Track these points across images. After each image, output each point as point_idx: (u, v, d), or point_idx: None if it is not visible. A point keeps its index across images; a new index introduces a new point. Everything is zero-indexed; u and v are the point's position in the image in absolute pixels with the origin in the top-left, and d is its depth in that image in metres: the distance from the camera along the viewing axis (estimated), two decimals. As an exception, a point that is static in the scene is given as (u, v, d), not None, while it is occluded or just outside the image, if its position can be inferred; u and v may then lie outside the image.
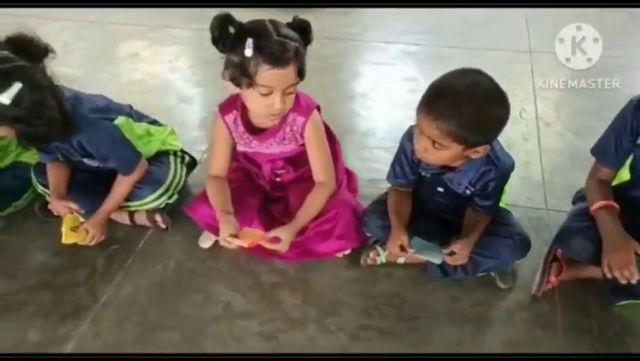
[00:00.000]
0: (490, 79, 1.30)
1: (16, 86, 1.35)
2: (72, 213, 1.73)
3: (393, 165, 1.60)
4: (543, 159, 2.16)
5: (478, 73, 1.31)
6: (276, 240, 1.53)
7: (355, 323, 1.51)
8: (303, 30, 1.43)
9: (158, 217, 1.79)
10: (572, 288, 1.58)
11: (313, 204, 1.60)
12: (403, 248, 1.50)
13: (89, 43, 3.17)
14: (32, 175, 1.81)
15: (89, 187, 1.76)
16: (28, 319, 1.51)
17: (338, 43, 3.11)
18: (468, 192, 1.49)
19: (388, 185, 1.66)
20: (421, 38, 3.18)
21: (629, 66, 2.88)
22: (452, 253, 1.49)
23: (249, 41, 1.34)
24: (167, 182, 1.79)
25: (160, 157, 1.84)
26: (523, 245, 1.54)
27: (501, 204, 1.59)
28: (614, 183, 1.52)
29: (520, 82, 2.67)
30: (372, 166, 2.09)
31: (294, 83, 1.43)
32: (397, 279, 1.64)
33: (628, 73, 2.76)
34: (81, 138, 1.59)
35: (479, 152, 1.35)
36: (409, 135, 1.51)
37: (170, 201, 1.82)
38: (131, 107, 1.82)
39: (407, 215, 1.58)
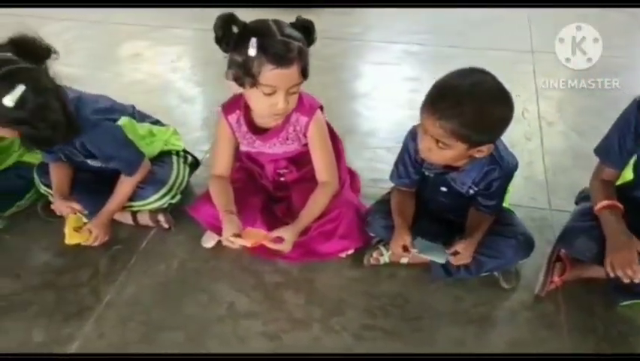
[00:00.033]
0: (493, 78, 1.30)
1: (20, 89, 1.35)
2: (75, 213, 1.73)
3: (396, 165, 1.60)
4: (546, 159, 2.16)
5: (482, 72, 1.31)
6: (279, 240, 1.54)
7: (359, 322, 1.51)
8: (307, 30, 1.43)
9: (161, 217, 1.79)
10: (576, 288, 1.58)
11: (316, 204, 1.60)
12: (406, 248, 1.50)
13: (91, 43, 3.17)
14: (35, 175, 1.81)
15: (92, 188, 1.76)
16: (33, 319, 1.51)
17: (339, 43, 3.11)
18: (471, 191, 1.49)
19: (391, 185, 1.66)
20: (423, 38, 3.18)
21: (631, 66, 2.88)
22: (456, 253, 1.49)
23: (253, 41, 1.34)
24: (170, 182, 1.80)
25: (163, 157, 1.84)
26: (527, 245, 1.54)
27: (505, 204, 1.59)
28: (618, 182, 1.52)
29: (522, 82, 2.67)
30: (375, 166, 2.09)
31: (298, 82, 1.43)
32: (401, 279, 1.63)
33: (630, 73, 2.76)
34: (84, 139, 1.59)
35: (483, 151, 1.35)
36: (412, 135, 1.51)
37: (173, 201, 1.82)
38: (133, 107, 1.82)
39: (410, 215, 1.58)
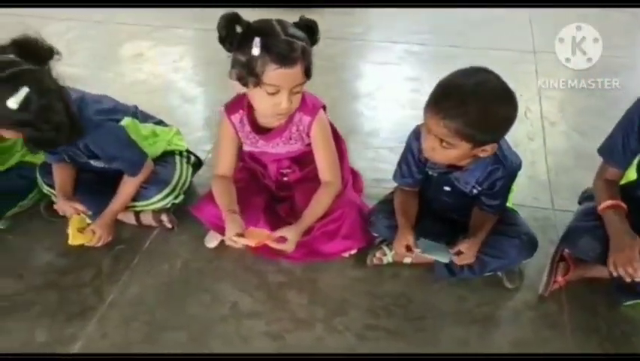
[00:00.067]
0: (498, 77, 1.30)
1: (24, 91, 1.34)
2: (78, 213, 1.73)
3: (399, 165, 1.60)
4: (548, 159, 2.16)
5: (486, 72, 1.31)
6: (282, 240, 1.53)
7: (362, 322, 1.51)
8: (310, 30, 1.43)
9: (164, 217, 1.79)
10: (579, 288, 1.58)
11: (319, 203, 1.60)
12: (409, 248, 1.50)
13: (93, 43, 3.17)
14: (38, 175, 1.81)
15: (95, 188, 1.76)
16: (35, 319, 1.51)
17: (341, 42, 3.11)
18: (475, 191, 1.49)
19: (394, 184, 1.66)
20: (425, 38, 3.17)
21: (632, 66, 2.88)
22: (459, 253, 1.48)
23: (257, 40, 1.34)
24: (173, 182, 1.80)
25: (166, 157, 1.84)
26: (531, 245, 1.53)
27: (508, 204, 1.58)
28: (621, 182, 1.52)
29: (524, 82, 2.66)
30: (377, 166, 2.09)
31: (301, 82, 1.43)
32: (404, 279, 1.63)
33: (630, 73, 2.76)
34: (87, 140, 1.59)
35: (487, 150, 1.35)
36: (415, 134, 1.51)
37: (176, 201, 1.82)
38: (136, 107, 1.82)
39: (414, 215, 1.58)
